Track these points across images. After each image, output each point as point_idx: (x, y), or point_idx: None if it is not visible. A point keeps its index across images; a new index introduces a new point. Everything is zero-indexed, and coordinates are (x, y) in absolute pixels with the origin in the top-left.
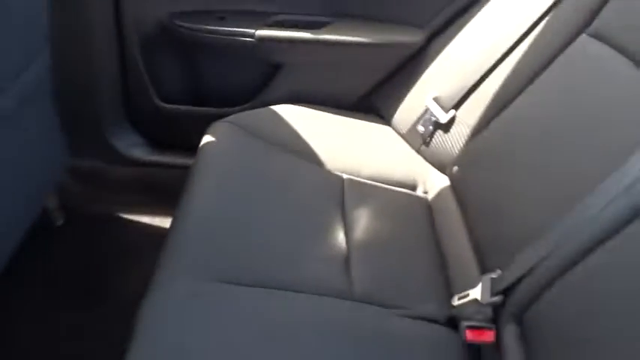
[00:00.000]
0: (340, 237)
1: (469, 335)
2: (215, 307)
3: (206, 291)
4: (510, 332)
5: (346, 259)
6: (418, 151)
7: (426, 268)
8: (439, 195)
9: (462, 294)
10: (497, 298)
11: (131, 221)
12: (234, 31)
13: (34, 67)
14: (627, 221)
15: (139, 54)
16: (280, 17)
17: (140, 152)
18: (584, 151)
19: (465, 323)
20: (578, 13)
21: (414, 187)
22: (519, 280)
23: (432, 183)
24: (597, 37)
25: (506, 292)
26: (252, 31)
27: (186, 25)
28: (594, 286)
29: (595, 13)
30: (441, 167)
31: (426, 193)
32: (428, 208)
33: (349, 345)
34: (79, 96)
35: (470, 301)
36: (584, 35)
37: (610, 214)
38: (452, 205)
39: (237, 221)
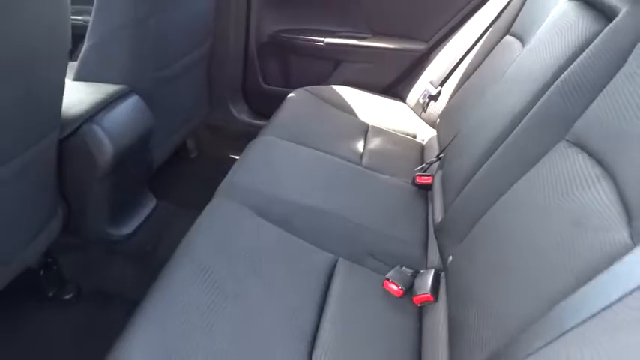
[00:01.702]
0: (360, 145)
1: (417, 180)
2: (287, 151)
3: (282, 144)
4: (438, 175)
5: (361, 154)
6: (420, 116)
7: (410, 162)
8: (429, 141)
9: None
10: (434, 159)
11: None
12: (313, 39)
13: (201, 49)
14: None
15: (255, 54)
16: (340, 32)
17: (247, 116)
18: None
19: (417, 173)
20: (506, 21)
21: (415, 137)
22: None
23: (427, 135)
24: (512, 34)
25: (440, 155)
26: (323, 39)
27: (285, 36)
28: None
29: (514, 20)
30: (433, 124)
31: (423, 141)
32: (421, 149)
33: (359, 185)
34: (215, 78)
35: (423, 166)
36: (507, 36)
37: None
38: (435, 144)
39: (303, 126)
